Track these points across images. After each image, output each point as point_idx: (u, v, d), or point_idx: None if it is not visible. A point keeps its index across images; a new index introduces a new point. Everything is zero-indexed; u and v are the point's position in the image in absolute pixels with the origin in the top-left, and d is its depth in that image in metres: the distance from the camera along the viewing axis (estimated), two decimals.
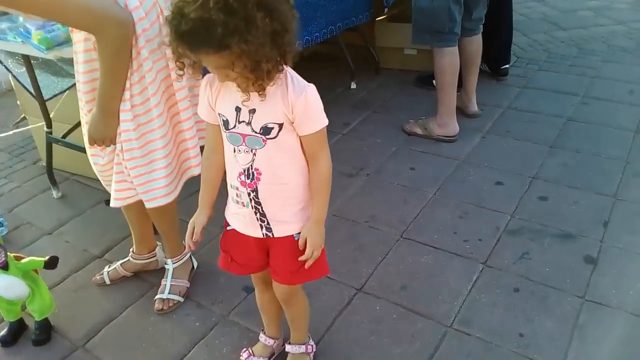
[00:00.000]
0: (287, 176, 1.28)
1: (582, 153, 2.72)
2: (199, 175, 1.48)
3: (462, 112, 3.08)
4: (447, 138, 2.89)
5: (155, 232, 2.06)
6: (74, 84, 1.69)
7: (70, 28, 1.61)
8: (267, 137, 1.22)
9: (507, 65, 3.58)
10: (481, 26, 2.94)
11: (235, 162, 1.27)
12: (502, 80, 3.58)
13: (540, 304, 1.86)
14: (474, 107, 3.13)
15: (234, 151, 1.26)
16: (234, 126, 1.23)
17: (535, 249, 2.11)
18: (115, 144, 1.61)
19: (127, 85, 1.52)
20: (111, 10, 1.41)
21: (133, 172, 1.66)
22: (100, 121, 1.55)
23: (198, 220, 1.41)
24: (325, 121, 1.22)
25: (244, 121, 1.22)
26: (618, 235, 2.14)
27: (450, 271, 2.02)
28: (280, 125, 1.21)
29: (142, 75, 1.53)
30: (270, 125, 1.20)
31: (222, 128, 1.27)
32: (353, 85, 3.64)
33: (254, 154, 1.24)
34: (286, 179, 1.28)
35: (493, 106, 3.24)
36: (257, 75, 1.08)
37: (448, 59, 2.75)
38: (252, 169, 1.26)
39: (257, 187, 1.27)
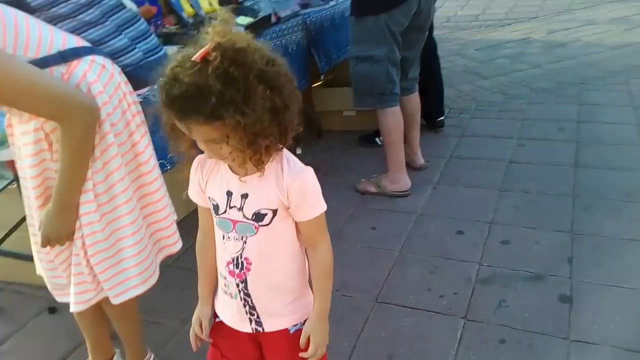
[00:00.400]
0: (281, 266, 1.18)
1: (530, 193, 2.80)
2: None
3: (409, 166, 3.12)
4: (400, 193, 2.91)
5: (113, 336, 1.87)
6: (4, 187, 1.54)
7: (10, 119, 1.48)
8: (260, 223, 1.12)
9: (442, 117, 3.71)
10: (417, 85, 3.07)
11: (223, 250, 1.17)
12: (440, 132, 3.70)
13: (529, 353, 1.82)
14: (420, 160, 3.19)
15: (223, 238, 1.16)
16: (225, 211, 1.14)
17: (510, 295, 2.09)
18: (72, 240, 1.47)
19: (89, 174, 1.40)
20: (77, 96, 1.31)
21: (99, 267, 1.50)
22: (59, 218, 1.41)
23: (203, 313, 1.27)
24: (324, 206, 1.13)
25: (235, 206, 1.12)
26: (585, 270, 2.18)
27: (433, 331, 1.96)
28: (275, 212, 1.11)
29: (107, 161, 1.41)
30: (263, 211, 1.11)
31: (212, 213, 1.18)
32: (299, 151, 3.62)
33: (245, 242, 1.14)
34: (279, 269, 1.18)
35: (437, 157, 3.31)
36: (255, 150, 1.01)
37: (392, 119, 2.81)
38: (241, 257, 1.15)
39: (246, 277, 1.16)
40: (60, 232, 1.42)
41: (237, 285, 1.18)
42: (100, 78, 1.37)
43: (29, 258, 1.80)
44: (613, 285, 2.08)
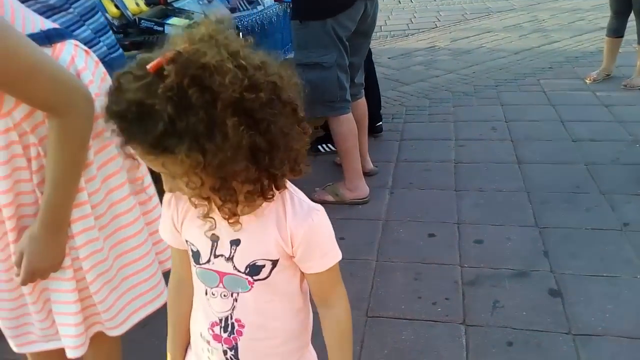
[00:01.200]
0: (281, 328, 0.95)
1: (486, 191, 2.82)
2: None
3: None
4: (360, 200, 2.79)
5: None
6: None
7: None
8: (255, 278, 0.89)
9: (380, 122, 3.66)
10: (363, 90, 2.98)
11: (207, 307, 0.94)
12: (379, 137, 3.64)
13: (538, 352, 1.78)
14: (370, 165, 3.10)
15: (207, 293, 0.92)
16: (208, 260, 0.90)
17: (501, 294, 2.05)
18: (57, 270, 1.13)
19: (81, 183, 1.08)
20: (80, 84, 1.03)
21: (100, 295, 1.18)
22: (50, 242, 1.07)
23: None
24: (339, 254, 0.93)
25: (222, 255, 0.88)
26: (563, 263, 2.20)
27: (437, 341, 1.85)
28: (274, 263, 0.89)
29: (102, 164, 1.12)
30: (260, 263, 0.88)
31: (192, 261, 0.93)
32: None
33: (235, 300, 0.91)
34: (278, 331, 0.95)
35: (384, 162, 3.25)
36: (225, 198, 0.78)
37: (346, 126, 2.70)
38: (231, 319, 0.92)
39: (236, 343, 0.93)
40: (51, 261, 1.10)
41: (225, 353, 0.95)
42: (87, 65, 1.08)
43: None
44: (594, 274, 2.11)
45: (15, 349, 1.35)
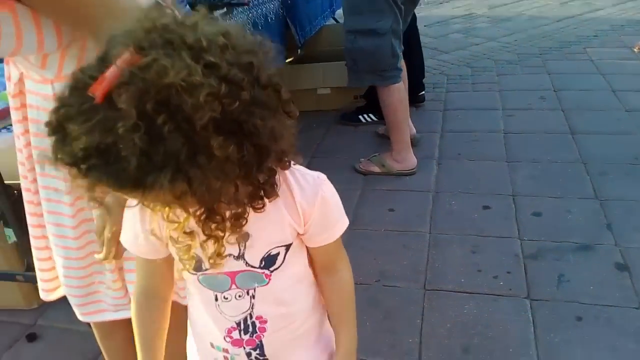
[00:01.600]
0: (299, 308, 0.89)
1: (540, 162, 2.71)
2: None
3: None
4: (407, 171, 2.70)
5: None
6: None
7: (20, 77, 1.08)
8: (272, 268, 0.82)
9: (423, 92, 3.55)
10: (402, 60, 2.87)
11: (218, 315, 0.85)
12: (421, 107, 3.53)
13: (609, 327, 1.70)
14: (413, 130, 2.99)
15: (217, 299, 0.84)
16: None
17: (566, 268, 1.96)
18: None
19: None
20: None
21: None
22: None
23: None
24: (346, 221, 0.87)
25: (229, 255, 0.78)
26: (628, 236, 2.10)
27: (502, 316, 1.78)
28: (288, 247, 0.82)
29: None
30: (274, 252, 0.81)
31: (185, 270, 0.82)
32: None
33: (253, 297, 0.83)
34: (297, 313, 0.89)
35: (429, 132, 3.14)
36: (215, 224, 0.70)
37: (397, 96, 2.59)
38: (251, 318, 0.84)
39: (260, 341, 0.87)
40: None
41: (249, 355, 0.88)
42: None
43: None
44: None
45: (80, 318, 1.32)
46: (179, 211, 0.70)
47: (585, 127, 3.01)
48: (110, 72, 0.56)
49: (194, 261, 0.78)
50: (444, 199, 2.48)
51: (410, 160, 2.71)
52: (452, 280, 1.96)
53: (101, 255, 1.03)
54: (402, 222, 2.33)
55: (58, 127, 0.58)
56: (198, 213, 0.68)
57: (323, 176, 0.83)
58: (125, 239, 0.86)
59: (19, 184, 1.80)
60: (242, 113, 0.59)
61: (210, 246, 0.73)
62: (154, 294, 0.90)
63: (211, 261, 0.75)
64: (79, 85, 0.58)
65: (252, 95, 0.60)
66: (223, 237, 0.72)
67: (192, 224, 0.72)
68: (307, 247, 0.88)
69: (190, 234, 0.73)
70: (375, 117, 3.28)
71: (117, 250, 1.01)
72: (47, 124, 0.60)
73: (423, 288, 1.95)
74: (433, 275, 2.00)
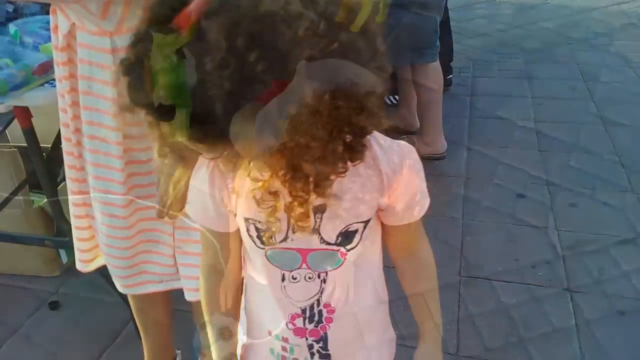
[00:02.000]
0: (368, 302, 0.82)
1: (574, 152, 2.64)
2: None
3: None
4: (437, 155, 2.63)
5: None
6: None
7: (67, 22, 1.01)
8: (348, 247, 0.74)
9: (451, 75, 3.46)
10: None
11: (283, 299, 0.77)
12: (448, 90, 3.44)
13: None
14: (417, 124, 2.89)
15: (284, 279, 0.76)
16: (285, 238, 0.72)
17: (606, 261, 1.91)
18: None
19: None
20: None
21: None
22: None
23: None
24: (428, 199, 0.80)
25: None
26: None
27: (542, 306, 1.74)
28: (366, 224, 0.74)
29: None
30: (353, 228, 0.73)
31: (252, 244, 0.75)
32: None
33: (323, 281, 0.75)
34: (366, 309, 0.81)
35: (457, 117, 3.07)
36: (301, 184, 0.63)
37: (433, 75, 2.52)
38: (318, 305, 0.77)
39: (325, 333, 0.79)
40: None
41: (310, 347, 0.80)
42: None
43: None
44: None
45: (120, 289, 1.27)
46: (262, 169, 0.64)
47: (618, 119, 2.93)
48: (198, 0, 0.50)
49: (279, 224, 0.70)
50: (475, 186, 2.42)
51: (440, 143, 2.64)
52: (488, 268, 1.91)
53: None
54: (433, 207, 2.25)
55: (134, 65, 0.53)
56: (282, 172, 0.62)
57: (410, 145, 0.76)
58: (193, 210, 0.79)
59: (48, 147, 1.73)
60: (338, 57, 0.53)
61: (297, 208, 0.66)
62: (219, 271, 0.82)
63: (299, 223, 0.68)
64: (159, 19, 0.52)
65: (349, 38, 0.54)
66: (308, 199, 0.65)
67: (276, 184, 0.66)
68: (383, 229, 0.80)
69: (275, 194, 0.66)
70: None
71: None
72: (123, 61, 0.55)
73: (458, 274, 1.89)
74: (468, 263, 1.95)
